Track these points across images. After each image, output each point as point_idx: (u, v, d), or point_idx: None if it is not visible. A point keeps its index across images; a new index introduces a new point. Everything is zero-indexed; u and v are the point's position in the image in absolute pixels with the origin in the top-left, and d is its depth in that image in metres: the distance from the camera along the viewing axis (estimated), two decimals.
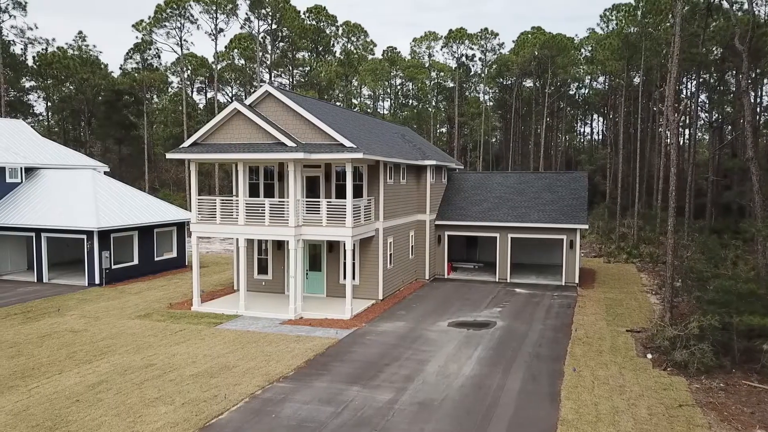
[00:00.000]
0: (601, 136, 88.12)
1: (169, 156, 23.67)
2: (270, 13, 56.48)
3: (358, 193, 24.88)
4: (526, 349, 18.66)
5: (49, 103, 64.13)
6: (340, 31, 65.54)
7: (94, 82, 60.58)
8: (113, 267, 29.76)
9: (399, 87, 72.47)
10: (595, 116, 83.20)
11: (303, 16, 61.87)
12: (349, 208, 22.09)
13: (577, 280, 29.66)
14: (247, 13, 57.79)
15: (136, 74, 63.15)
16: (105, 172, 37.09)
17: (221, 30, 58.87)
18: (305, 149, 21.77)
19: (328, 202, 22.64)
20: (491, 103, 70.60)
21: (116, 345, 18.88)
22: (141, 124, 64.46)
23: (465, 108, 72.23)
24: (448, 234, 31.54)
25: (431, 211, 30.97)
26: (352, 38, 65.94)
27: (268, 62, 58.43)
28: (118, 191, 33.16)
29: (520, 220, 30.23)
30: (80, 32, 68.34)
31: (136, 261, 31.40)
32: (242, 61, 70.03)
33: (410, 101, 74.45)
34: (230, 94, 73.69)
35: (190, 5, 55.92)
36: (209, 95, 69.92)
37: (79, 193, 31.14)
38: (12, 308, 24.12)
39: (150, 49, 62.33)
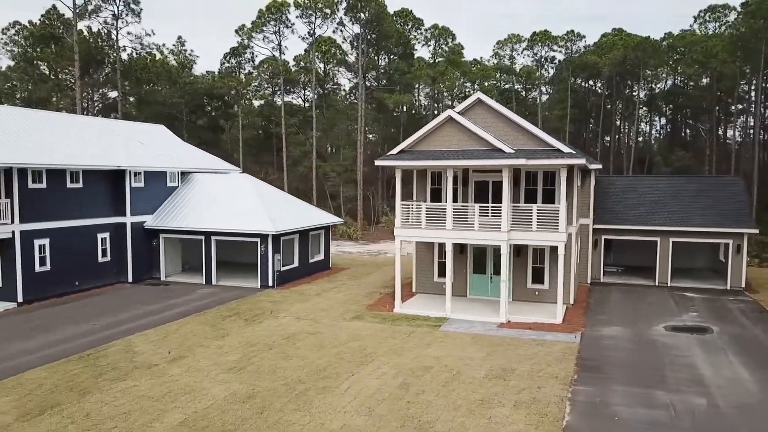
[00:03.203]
0: (657, 136, 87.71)
1: (378, 163, 24.24)
2: (367, 17, 57.06)
3: (551, 198, 25.19)
4: None
5: (132, 106, 65.58)
6: (429, 34, 66.03)
7: (191, 87, 61.84)
8: (282, 270, 30.48)
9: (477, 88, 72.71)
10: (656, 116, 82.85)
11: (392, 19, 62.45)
12: (562, 213, 22.41)
13: (743, 285, 29.66)
14: (342, 17, 58.38)
15: (224, 78, 64.26)
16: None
17: (314, 34, 59.58)
18: (526, 155, 22.15)
19: (538, 207, 22.98)
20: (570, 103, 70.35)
21: (368, 347, 19.41)
22: (229, 126, 65.60)
23: (549, 110, 72.43)
24: (605, 238, 31.74)
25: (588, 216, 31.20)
26: (440, 41, 66.39)
27: (362, 64, 58.94)
28: (272, 194, 33.92)
29: (682, 224, 30.30)
30: (179, 37, 69.64)
31: (296, 263, 32.11)
32: (321, 64, 70.94)
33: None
34: (305, 97, 74.60)
35: (288, 10, 56.82)
36: (287, 98, 70.71)
37: (244, 198, 31.91)
38: (219, 311, 24.87)
39: (245, 52, 63.39)
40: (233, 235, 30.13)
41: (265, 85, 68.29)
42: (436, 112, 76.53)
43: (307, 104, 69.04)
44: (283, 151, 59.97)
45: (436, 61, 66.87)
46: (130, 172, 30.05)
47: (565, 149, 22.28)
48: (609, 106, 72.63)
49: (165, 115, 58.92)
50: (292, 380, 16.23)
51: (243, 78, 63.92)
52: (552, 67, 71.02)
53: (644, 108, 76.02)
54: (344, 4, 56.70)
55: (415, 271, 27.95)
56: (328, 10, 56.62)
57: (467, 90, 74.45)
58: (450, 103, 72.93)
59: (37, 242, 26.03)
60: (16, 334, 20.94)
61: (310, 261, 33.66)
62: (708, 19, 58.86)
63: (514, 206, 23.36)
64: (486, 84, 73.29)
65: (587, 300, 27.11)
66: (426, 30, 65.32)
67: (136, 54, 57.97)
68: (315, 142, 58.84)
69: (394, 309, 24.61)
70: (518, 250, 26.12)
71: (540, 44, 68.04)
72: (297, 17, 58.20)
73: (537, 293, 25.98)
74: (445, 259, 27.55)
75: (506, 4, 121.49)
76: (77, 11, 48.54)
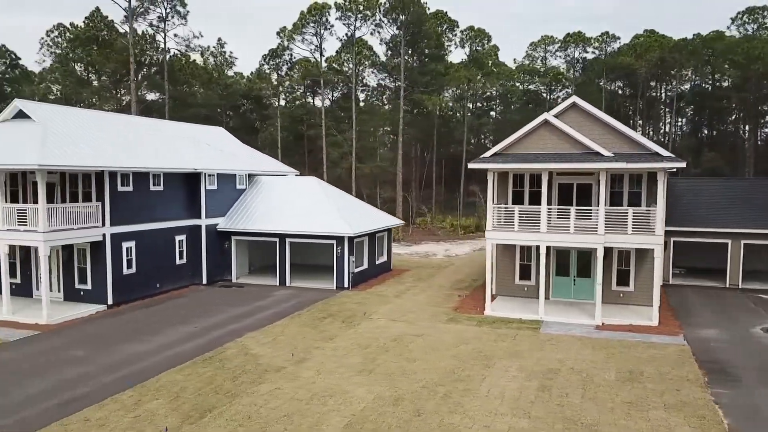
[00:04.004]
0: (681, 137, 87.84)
1: (471, 166, 24.39)
2: (408, 19, 57.23)
3: (636, 201, 25.32)
4: None
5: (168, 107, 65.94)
6: (465, 36, 66.21)
7: (230, 89, 62.10)
8: (355, 271, 30.66)
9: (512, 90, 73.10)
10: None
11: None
12: (660, 216, 22.56)
13: None
14: (381, 19, 58.58)
15: (262, 79, 64.51)
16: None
17: (354, 35, 59.74)
18: (625, 159, 22.29)
19: (634, 210, 23.11)
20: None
21: (483, 350, 19.56)
22: (265, 127, 65.86)
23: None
24: (673, 240, 31.85)
25: None
26: (476, 42, 66.58)
27: (402, 65, 59.10)
28: (340, 197, 34.10)
29: (755, 226, 30.39)
30: (219, 39, 69.94)
31: (365, 265, 32.28)
32: (350, 65, 71.09)
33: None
34: (334, 98, 74.78)
35: (328, 12, 57.06)
36: (319, 99, 71.00)
37: (315, 200, 32.09)
38: (311, 313, 25.04)
39: (284, 54, 63.63)
40: (309, 237, 30.30)
41: (296, 86, 68.43)
42: (459, 114, 76.87)
43: (340, 105, 69.15)
44: (322, 152, 60.16)
45: (471, 62, 67.05)
46: (204, 174, 30.24)
47: (664, 152, 22.43)
48: (631, 108, 73.00)
49: (202, 117, 59.17)
50: (428, 383, 16.39)
51: (280, 79, 64.06)
52: (578, 70, 70.99)
53: (667, 109, 76.26)
54: (386, 5, 56.81)
55: (496, 274, 28.08)
56: (368, 12, 56.80)
57: (489, 92, 74.81)
58: (471, 105, 73.26)
59: (124, 245, 26.23)
60: (125, 337, 21.12)
61: (376, 263, 33.84)
62: (746, 20, 58.96)
63: (609, 209, 23.46)
64: (510, 85, 73.62)
65: (667, 302, 27.22)
66: (462, 32, 65.54)
67: (179, 55, 58.24)
68: (354, 143, 59.00)
69: (485, 312, 24.76)
70: (606, 253, 26.23)
71: (573, 45, 68.13)
72: (336, 19, 58.44)
73: (622, 295, 26.11)
74: (526, 261, 27.89)
75: (506, 4, 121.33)
76: (132, 13, 48.60)
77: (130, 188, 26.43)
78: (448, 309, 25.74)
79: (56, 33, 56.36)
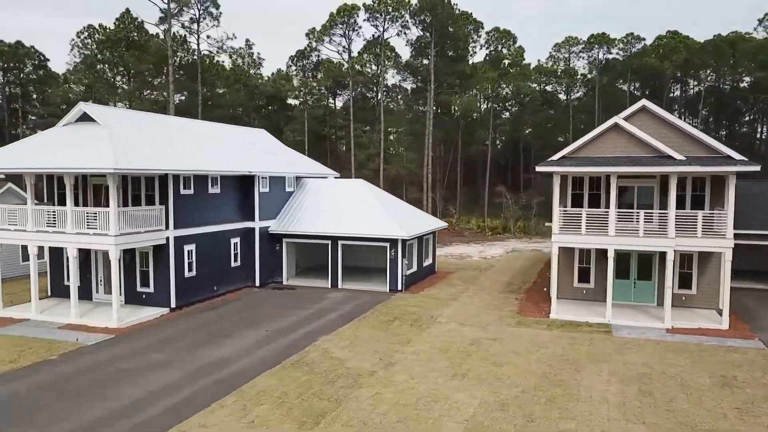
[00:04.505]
0: None
1: (539, 169, 24.38)
2: (438, 20, 57.26)
3: (700, 204, 25.29)
4: None
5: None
6: (491, 37, 66.22)
7: (258, 90, 62.14)
8: (407, 274, 30.67)
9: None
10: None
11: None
12: (730, 219, 22.54)
13: None
14: (408, 20, 58.59)
15: (288, 79, 64.51)
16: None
17: (382, 36, 59.74)
18: (698, 162, 22.28)
19: (704, 214, 23.09)
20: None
21: (564, 354, 19.56)
22: (289, 128, 65.88)
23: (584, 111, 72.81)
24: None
25: None
26: (500, 44, 66.58)
27: (431, 67, 59.13)
28: (389, 199, 34.10)
29: None
30: (247, 40, 69.99)
31: (415, 268, 32.29)
32: (373, 67, 71.11)
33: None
34: (356, 99, 74.70)
35: (357, 13, 57.11)
36: (342, 100, 71.04)
37: (366, 203, 32.13)
38: (376, 316, 25.05)
39: (311, 55, 63.68)
40: (363, 240, 30.31)
41: (321, 88, 68.43)
42: (476, 115, 76.87)
43: (364, 106, 69.09)
44: (349, 153, 60.20)
45: (495, 63, 67.11)
46: (258, 177, 30.25)
47: (736, 156, 22.43)
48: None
49: (228, 118, 59.20)
50: (526, 387, 16.39)
51: (305, 81, 64.08)
52: (597, 72, 70.90)
53: (683, 109, 76.32)
54: (414, 6, 56.80)
55: (554, 276, 28.01)
56: (396, 13, 56.83)
57: (504, 92, 74.82)
58: (487, 104, 73.36)
59: (186, 248, 26.24)
60: (199, 340, 21.13)
61: (423, 265, 33.86)
62: None
63: (679, 213, 23.41)
64: (527, 86, 73.63)
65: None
66: (488, 33, 65.53)
67: (207, 56, 58.23)
68: (382, 144, 59.01)
69: (551, 315, 24.75)
70: (664, 255, 26.21)
71: (597, 46, 68.17)
72: (364, 20, 58.46)
73: (684, 298, 26.09)
74: (585, 264, 27.88)
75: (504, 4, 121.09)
76: (170, 15, 48.52)
77: (191, 191, 26.44)
78: (510, 312, 25.74)
79: (86, 34, 56.38)
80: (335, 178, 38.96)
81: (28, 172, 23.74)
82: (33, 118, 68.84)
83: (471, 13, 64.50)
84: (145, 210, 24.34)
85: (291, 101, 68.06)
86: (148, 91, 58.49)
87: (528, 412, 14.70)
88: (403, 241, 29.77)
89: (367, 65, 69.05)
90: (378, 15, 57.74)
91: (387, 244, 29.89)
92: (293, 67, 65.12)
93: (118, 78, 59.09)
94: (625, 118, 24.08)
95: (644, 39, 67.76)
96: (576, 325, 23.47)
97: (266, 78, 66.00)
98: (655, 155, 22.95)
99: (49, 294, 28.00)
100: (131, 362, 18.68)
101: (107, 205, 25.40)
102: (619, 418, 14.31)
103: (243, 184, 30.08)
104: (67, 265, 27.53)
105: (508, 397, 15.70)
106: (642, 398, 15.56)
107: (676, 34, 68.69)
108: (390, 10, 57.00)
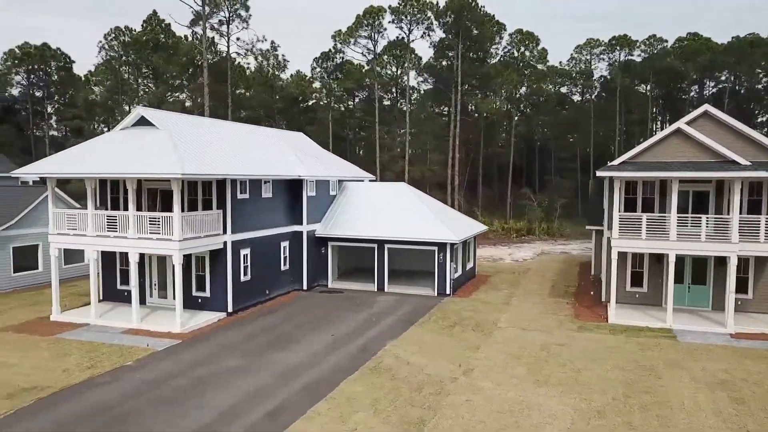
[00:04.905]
0: None
1: (600, 174, 24.40)
2: (462, 22, 57.31)
3: (756, 208, 25.29)
4: None
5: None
6: (514, 39, 66.25)
7: (283, 92, 62.22)
8: (454, 277, 30.69)
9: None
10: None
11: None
12: None
13: None
14: (433, 21, 58.66)
15: (311, 81, 64.55)
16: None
17: (409, 38, 59.74)
18: (765, 168, 22.28)
19: (766, 218, 23.11)
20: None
21: (639, 360, 19.57)
22: (312, 131, 65.83)
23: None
24: None
25: None
26: (522, 46, 66.64)
27: (457, 69, 59.17)
28: (432, 203, 34.11)
29: None
30: (272, 42, 70.06)
31: (459, 271, 32.30)
32: (393, 68, 71.16)
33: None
34: (377, 100, 74.74)
35: (382, 15, 57.13)
36: (366, 102, 71.04)
37: (411, 206, 32.17)
38: (434, 320, 25.06)
39: (335, 57, 63.71)
40: (411, 243, 30.30)
41: (342, 90, 68.53)
42: (488, 116, 76.88)
43: (387, 108, 69.18)
44: (377, 155, 60.32)
45: (517, 65, 67.24)
46: (306, 180, 30.27)
47: None
48: (655, 110, 73.37)
49: (252, 119, 59.25)
50: (616, 395, 16.39)
51: (328, 83, 64.16)
52: (613, 73, 70.95)
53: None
54: (440, 8, 56.86)
55: (612, 280, 27.97)
56: (422, 15, 56.87)
57: (521, 94, 74.96)
58: (506, 106, 73.38)
59: (242, 252, 26.27)
60: (267, 345, 21.13)
61: (466, 268, 33.89)
62: None
63: (743, 218, 23.38)
64: (544, 87, 73.78)
65: None
66: (510, 35, 65.63)
67: (241, 57, 58.39)
68: (408, 146, 59.06)
69: (609, 319, 24.76)
70: (720, 260, 26.24)
71: (618, 48, 68.26)
72: (389, 22, 58.50)
73: (740, 303, 26.04)
74: (638, 268, 27.87)
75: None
76: (205, 17, 48.39)
77: (246, 195, 26.47)
78: (567, 316, 25.76)
79: (113, 36, 56.39)
80: (370, 181, 38.96)
81: (89, 177, 23.74)
82: (54, 118, 68.97)
83: (494, 15, 64.58)
84: (204, 215, 24.35)
85: (318, 103, 68.07)
86: (177, 94, 58.48)
87: (626, 420, 14.71)
88: (452, 245, 29.78)
89: (388, 66, 69.08)
90: (403, 17, 57.78)
91: (435, 248, 29.89)
92: (317, 69, 65.17)
93: (144, 80, 59.07)
94: (687, 123, 24.07)
95: (666, 41, 67.83)
96: (637, 329, 23.48)
97: (288, 79, 66.03)
98: (717, 160, 22.96)
99: (101, 298, 28.00)
100: (209, 368, 18.69)
101: (163, 210, 25.52)
102: (720, 426, 14.32)
103: (291, 187, 30.10)
104: (120, 270, 27.65)
105: (600, 404, 15.70)
106: (736, 405, 15.57)
107: (696, 36, 68.74)
108: (415, 11, 57.08)
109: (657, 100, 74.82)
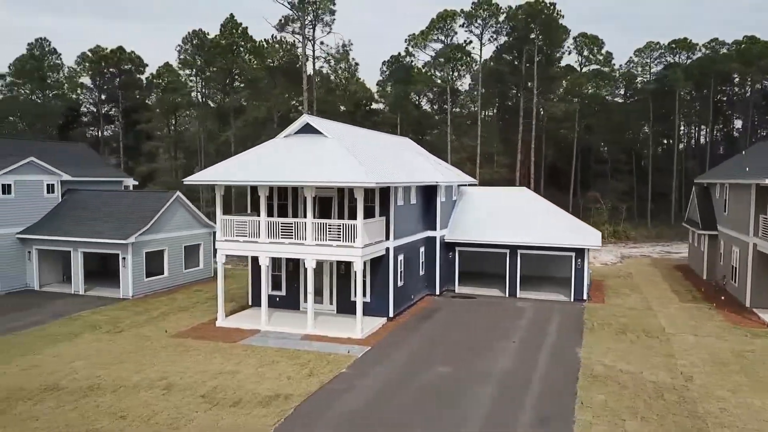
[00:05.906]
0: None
1: (697, 181, 24.63)
2: (540, 27, 57.62)
3: None
4: None
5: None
6: (579, 42, 66.39)
7: (355, 96, 62.54)
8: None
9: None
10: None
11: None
12: None
13: None
14: (502, 26, 59.02)
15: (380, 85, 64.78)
16: None
17: (482, 41, 60.00)
18: None
19: None
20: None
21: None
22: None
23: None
24: None
25: None
26: (586, 49, 66.81)
27: (534, 72, 59.41)
28: (554, 207, 34.28)
29: None
30: (344, 45, 70.34)
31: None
32: (457, 72, 71.17)
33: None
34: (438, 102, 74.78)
35: (455, 20, 57.48)
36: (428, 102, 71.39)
37: (536, 212, 32.57)
38: (598, 326, 25.32)
39: (404, 60, 63.93)
40: (546, 249, 30.57)
41: (405, 91, 68.72)
42: (553, 119, 76.88)
43: (455, 111, 69.44)
44: (448, 157, 60.46)
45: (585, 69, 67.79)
46: (440, 186, 30.55)
47: None
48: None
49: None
50: None
51: (399, 85, 64.42)
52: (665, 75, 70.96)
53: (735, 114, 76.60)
54: (513, 11, 57.18)
55: (752, 284, 28.27)
56: (493, 19, 57.23)
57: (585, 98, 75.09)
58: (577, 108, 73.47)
59: (399, 257, 26.56)
60: (459, 351, 21.38)
61: None
62: None
63: None
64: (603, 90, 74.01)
65: None
66: (575, 38, 65.79)
67: (327, 61, 58.63)
68: (479, 149, 59.36)
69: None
70: None
71: (678, 51, 68.61)
72: (460, 26, 58.83)
73: None
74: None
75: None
76: (303, 24, 48.16)
77: (402, 202, 26.76)
78: (722, 322, 26.01)
79: (195, 40, 56.47)
80: (470, 185, 39.20)
81: (266, 184, 23.94)
82: (116, 123, 69.11)
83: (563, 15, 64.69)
84: (372, 222, 24.63)
85: (375, 106, 68.43)
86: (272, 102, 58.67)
87: None
88: (589, 251, 30.05)
89: (453, 70, 69.12)
90: (474, 21, 58.09)
91: (573, 254, 30.15)
92: (387, 72, 65.37)
93: (219, 84, 59.10)
94: None
95: (727, 44, 68.01)
96: None
97: (358, 82, 66.36)
98: None
99: (250, 304, 28.31)
100: (427, 374, 18.96)
101: (321, 216, 25.86)
102: None
103: (427, 193, 30.38)
104: (272, 276, 27.85)
105: None
106: None
107: (754, 38, 68.96)
108: (486, 15, 57.36)
109: (712, 102, 75.11)
